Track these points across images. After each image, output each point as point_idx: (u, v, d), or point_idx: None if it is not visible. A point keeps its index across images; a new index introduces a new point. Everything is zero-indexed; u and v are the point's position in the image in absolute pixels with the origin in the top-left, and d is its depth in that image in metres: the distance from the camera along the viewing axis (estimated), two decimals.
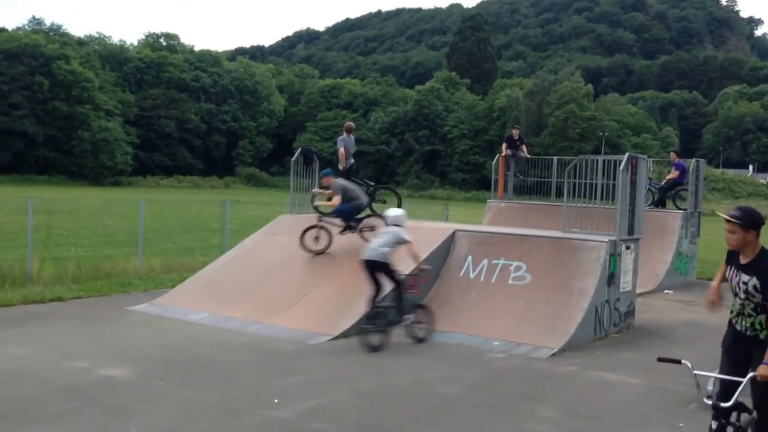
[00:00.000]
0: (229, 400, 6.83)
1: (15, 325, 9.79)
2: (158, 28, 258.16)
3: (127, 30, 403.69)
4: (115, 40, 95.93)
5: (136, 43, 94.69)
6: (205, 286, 11.73)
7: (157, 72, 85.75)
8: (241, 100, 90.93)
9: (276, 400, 6.83)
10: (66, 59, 73.22)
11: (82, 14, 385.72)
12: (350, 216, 11.72)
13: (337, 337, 9.52)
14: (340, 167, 12.88)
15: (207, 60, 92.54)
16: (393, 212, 9.98)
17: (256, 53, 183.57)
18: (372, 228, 11.65)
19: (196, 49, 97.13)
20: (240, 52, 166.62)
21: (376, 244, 9.48)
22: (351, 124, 13.70)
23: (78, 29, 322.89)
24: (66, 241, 19.61)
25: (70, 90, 72.57)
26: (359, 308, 10.03)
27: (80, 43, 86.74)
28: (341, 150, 12.86)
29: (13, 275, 13.12)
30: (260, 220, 16.39)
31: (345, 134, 13.17)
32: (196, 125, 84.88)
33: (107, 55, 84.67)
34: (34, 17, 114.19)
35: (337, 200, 11.46)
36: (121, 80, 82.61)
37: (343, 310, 10.11)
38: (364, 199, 11.87)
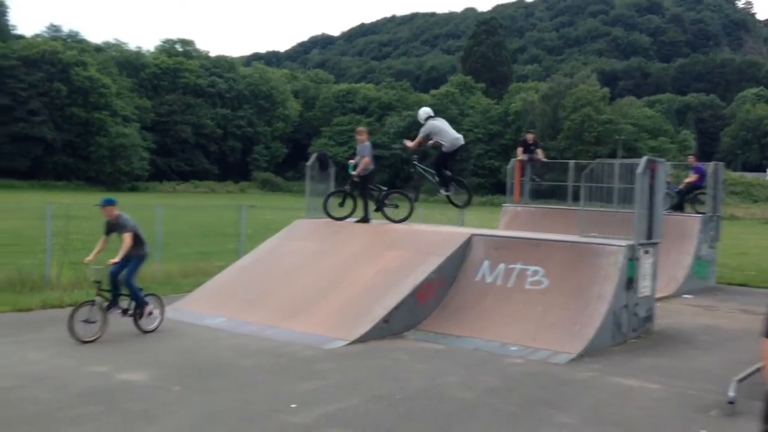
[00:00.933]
0: (247, 404, 6.83)
1: (34, 330, 9.87)
2: (174, 35, 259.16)
3: (143, 36, 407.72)
4: (132, 46, 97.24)
5: (152, 50, 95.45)
6: (222, 291, 11.76)
7: (174, 78, 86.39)
8: (257, 105, 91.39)
9: (293, 405, 6.83)
10: (83, 66, 73.94)
11: (100, 21, 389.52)
12: (133, 279, 9.62)
13: (353, 342, 9.50)
14: (354, 172, 12.43)
15: (222, 66, 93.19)
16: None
17: (272, 58, 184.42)
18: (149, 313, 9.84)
19: (212, 54, 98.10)
20: (255, 57, 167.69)
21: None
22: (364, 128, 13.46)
23: (95, 36, 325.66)
24: (84, 246, 19.58)
25: (87, 96, 73.27)
26: (375, 313, 10.03)
27: (97, 49, 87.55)
28: (367, 159, 12.42)
29: (32, 280, 13.24)
30: (276, 224, 16.42)
31: (367, 140, 12.72)
32: (212, 130, 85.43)
33: (124, 62, 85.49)
34: (52, 24, 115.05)
35: (129, 239, 9.42)
36: (137, 86, 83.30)
37: (359, 315, 10.09)
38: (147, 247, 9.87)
